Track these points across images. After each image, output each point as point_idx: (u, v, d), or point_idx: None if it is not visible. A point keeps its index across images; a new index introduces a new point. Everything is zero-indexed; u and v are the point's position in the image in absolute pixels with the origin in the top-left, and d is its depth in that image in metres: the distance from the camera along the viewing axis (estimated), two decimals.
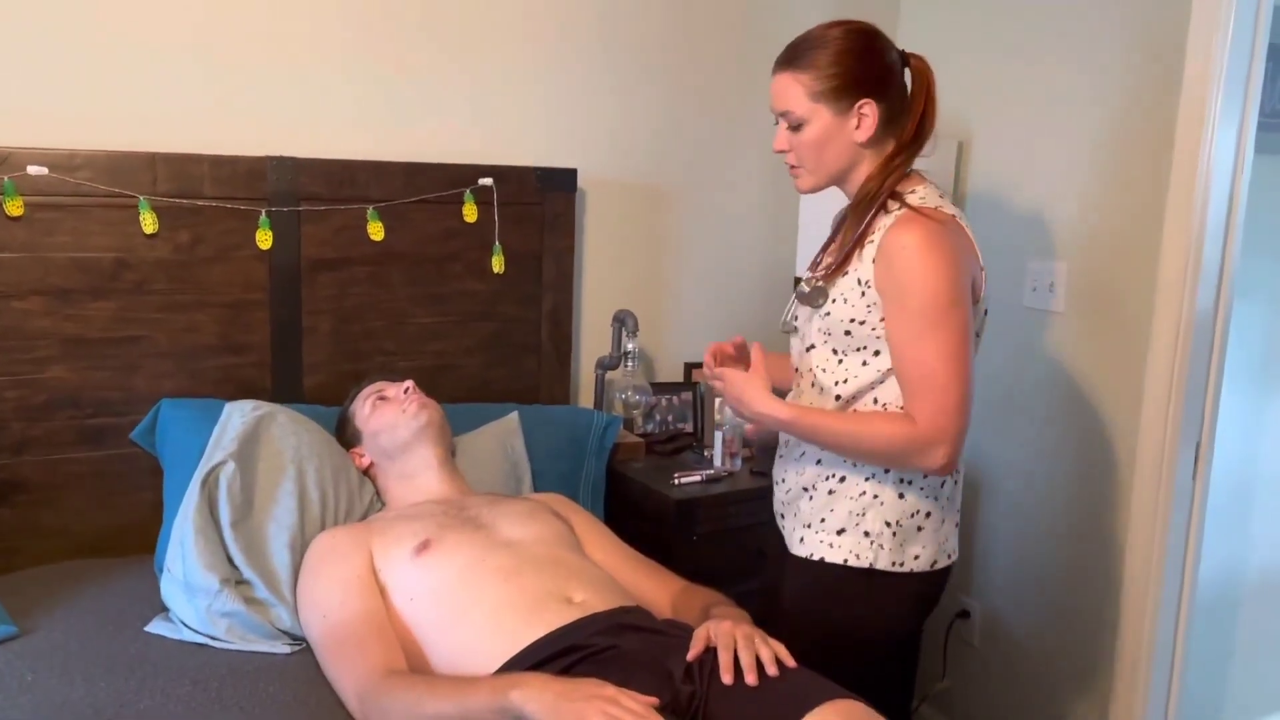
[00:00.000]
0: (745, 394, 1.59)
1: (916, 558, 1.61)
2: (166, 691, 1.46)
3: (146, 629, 1.65)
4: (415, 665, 1.50)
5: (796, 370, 1.71)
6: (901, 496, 1.60)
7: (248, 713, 1.43)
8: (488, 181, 2.23)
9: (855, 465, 1.60)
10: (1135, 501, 2.24)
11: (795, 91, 1.55)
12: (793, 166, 1.63)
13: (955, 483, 1.67)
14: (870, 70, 1.54)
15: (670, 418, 2.53)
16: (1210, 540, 2.33)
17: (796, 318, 1.70)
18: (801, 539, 1.66)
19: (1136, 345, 2.22)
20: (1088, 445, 2.35)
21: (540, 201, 2.32)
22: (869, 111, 1.54)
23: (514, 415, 2.17)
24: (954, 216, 1.55)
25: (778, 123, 1.61)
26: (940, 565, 1.65)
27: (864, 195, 1.57)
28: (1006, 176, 2.51)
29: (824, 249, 1.71)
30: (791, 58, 1.57)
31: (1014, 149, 2.48)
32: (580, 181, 2.39)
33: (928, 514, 1.61)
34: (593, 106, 2.44)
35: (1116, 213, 2.26)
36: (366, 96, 2.18)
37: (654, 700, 1.28)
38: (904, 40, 2.73)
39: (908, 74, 1.60)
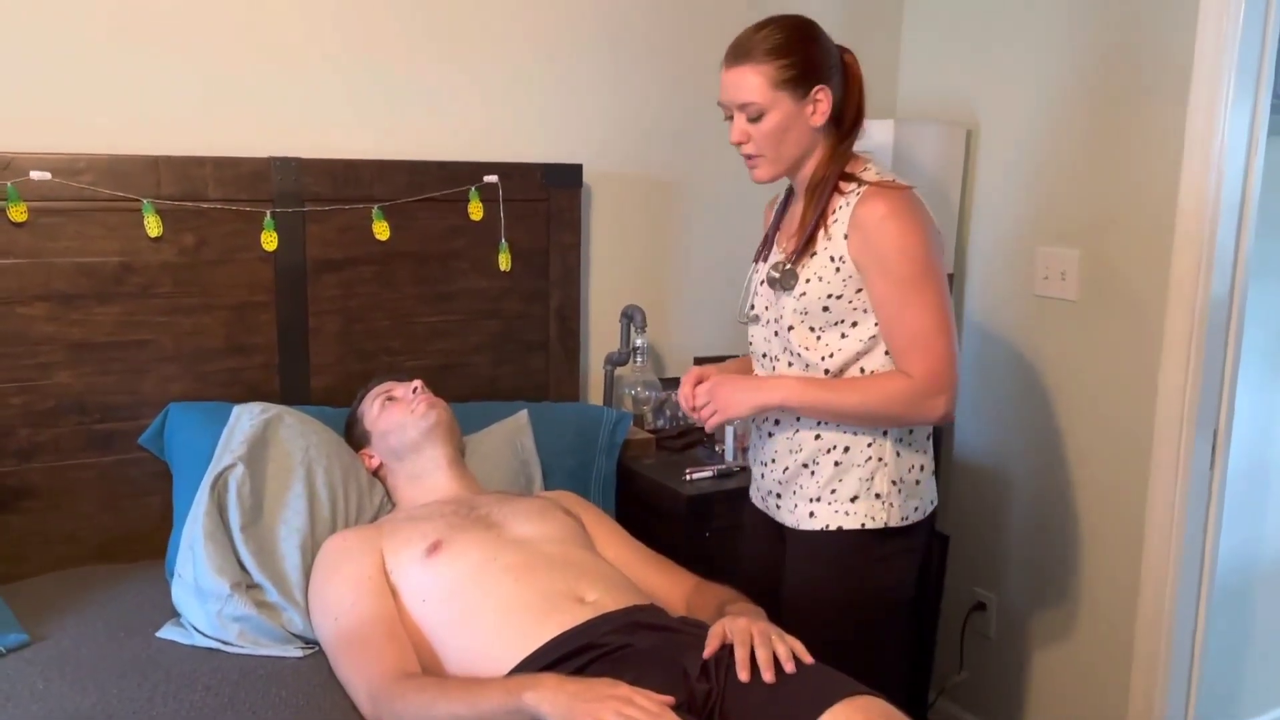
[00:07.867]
0: (735, 395, 1.67)
1: (917, 509, 1.72)
2: (179, 697, 1.45)
3: (158, 635, 1.64)
4: (428, 667, 1.48)
5: (765, 356, 1.78)
6: (899, 455, 1.69)
7: (261, 717, 1.42)
8: (493, 179, 2.21)
9: (855, 432, 1.67)
10: (1152, 490, 2.21)
11: (755, 83, 1.61)
12: (750, 156, 1.68)
13: (931, 434, 1.77)
14: (822, 58, 1.63)
15: (680, 413, 2.51)
16: (1225, 527, 2.31)
17: (753, 307, 1.79)
18: (812, 513, 1.71)
19: (1151, 332, 2.19)
20: (1103, 434, 2.32)
21: (546, 198, 2.30)
22: (823, 97, 1.63)
23: (523, 413, 2.16)
24: (911, 187, 1.64)
25: (728, 117, 1.67)
26: (930, 511, 1.77)
27: (818, 180, 1.67)
28: (1016, 163, 2.48)
29: (769, 238, 1.80)
30: (747, 51, 1.63)
31: (1023, 135, 2.45)
32: (586, 177, 2.37)
33: (922, 466, 1.73)
34: (597, 101, 2.42)
35: (1129, 198, 2.23)
36: (369, 95, 2.17)
37: (669, 699, 1.27)
38: (910, 27, 2.73)
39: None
